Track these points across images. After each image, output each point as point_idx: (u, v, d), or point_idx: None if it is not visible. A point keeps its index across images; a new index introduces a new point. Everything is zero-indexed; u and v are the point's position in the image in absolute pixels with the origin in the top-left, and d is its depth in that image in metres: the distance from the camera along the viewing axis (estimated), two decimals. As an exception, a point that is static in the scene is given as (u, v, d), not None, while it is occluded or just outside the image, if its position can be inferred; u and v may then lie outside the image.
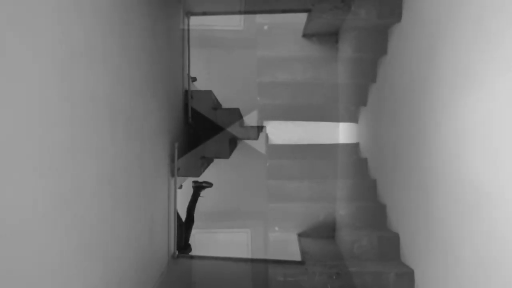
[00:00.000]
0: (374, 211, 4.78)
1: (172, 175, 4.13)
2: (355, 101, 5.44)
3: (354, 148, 5.90)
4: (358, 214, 4.81)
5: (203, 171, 5.01)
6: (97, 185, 2.30)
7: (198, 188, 5.80)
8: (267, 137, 6.46)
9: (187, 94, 4.92)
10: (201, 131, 5.19)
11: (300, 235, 4.98)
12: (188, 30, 4.92)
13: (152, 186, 3.52)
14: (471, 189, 2.69)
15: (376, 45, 4.62)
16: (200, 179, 5.60)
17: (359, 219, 4.79)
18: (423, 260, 3.57)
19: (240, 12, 4.92)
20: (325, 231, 5.01)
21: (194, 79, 6.03)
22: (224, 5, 4.81)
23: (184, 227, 5.38)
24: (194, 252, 5.12)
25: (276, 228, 5.08)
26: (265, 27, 5.08)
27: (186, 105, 4.91)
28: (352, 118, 5.81)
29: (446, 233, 3.07)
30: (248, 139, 5.55)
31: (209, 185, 5.76)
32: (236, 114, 5.35)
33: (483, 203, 2.56)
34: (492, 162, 2.46)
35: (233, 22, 6.70)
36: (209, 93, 5.17)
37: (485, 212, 2.54)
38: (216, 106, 5.42)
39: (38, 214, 1.71)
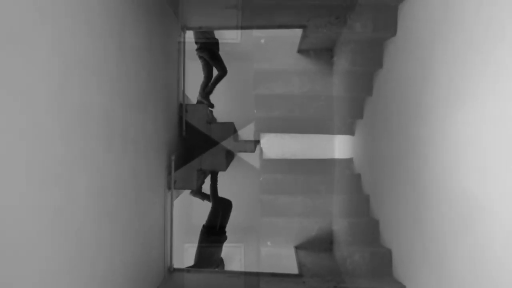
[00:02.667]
0: (367, 227, 4.77)
1: (169, 187, 4.10)
2: (352, 114, 5.48)
3: (347, 163, 5.92)
4: (351, 230, 4.80)
5: (200, 183, 4.99)
6: (89, 197, 2.29)
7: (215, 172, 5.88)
8: (261, 151, 6.47)
9: (182, 108, 4.92)
10: (195, 145, 5.18)
11: (297, 248, 4.96)
12: (184, 44, 4.94)
13: (148, 199, 3.49)
14: (465, 204, 2.71)
15: (371, 59, 4.66)
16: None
17: (352, 234, 4.78)
18: (416, 276, 3.56)
19: (236, 27, 4.95)
20: (323, 244, 5.00)
21: (212, 106, 6.09)
22: (221, 20, 4.85)
23: (219, 212, 5.45)
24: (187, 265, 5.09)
25: (269, 243, 5.05)
26: (262, 41, 5.12)
27: (180, 118, 4.90)
28: (349, 130, 5.83)
29: (440, 249, 3.07)
30: (245, 151, 5.55)
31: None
32: (230, 128, 5.36)
33: (478, 218, 2.57)
34: (487, 177, 2.48)
35: (231, 35, 6.78)
36: (203, 106, 5.18)
37: (480, 227, 2.54)
38: (211, 120, 5.43)
39: (29, 224, 1.70)
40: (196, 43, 5.84)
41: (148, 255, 3.49)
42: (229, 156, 5.54)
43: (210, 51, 5.93)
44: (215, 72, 6.11)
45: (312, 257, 4.78)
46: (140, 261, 3.27)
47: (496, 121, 2.39)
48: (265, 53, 5.19)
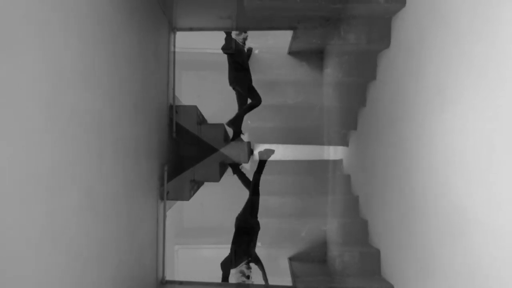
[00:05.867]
0: (356, 227, 4.83)
1: (162, 198, 4.09)
2: (346, 125, 5.46)
3: (337, 164, 5.95)
4: (341, 230, 4.87)
5: (193, 194, 4.97)
6: (80, 208, 2.26)
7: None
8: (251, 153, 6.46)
9: (172, 109, 4.87)
10: (186, 147, 5.15)
11: (291, 259, 5.01)
12: (174, 46, 4.86)
13: (140, 210, 3.47)
14: (450, 207, 2.77)
15: (365, 70, 4.63)
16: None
17: (342, 235, 4.85)
18: (403, 276, 3.64)
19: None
20: (317, 254, 5.05)
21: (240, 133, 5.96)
22: (211, 21, 4.77)
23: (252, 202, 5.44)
24: (182, 269, 5.11)
25: (259, 244, 5.10)
26: (256, 51, 5.06)
27: (171, 120, 4.86)
28: (343, 141, 5.84)
29: (426, 249, 3.14)
30: (239, 162, 5.54)
31: (273, 152, 5.81)
32: (220, 130, 5.33)
33: (462, 220, 2.63)
34: (471, 184, 2.53)
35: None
36: (193, 108, 5.13)
37: (464, 229, 2.60)
38: (201, 121, 5.38)
39: (17, 234, 1.68)
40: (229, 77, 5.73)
41: (139, 267, 3.49)
42: (223, 167, 5.51)
43: (242, 85, 5.65)
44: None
45: (307, 268, 4.84)
46: (132, 273, 3.26)
47: (484, 132, 2.43)
48: (259, 64, 5.13)
